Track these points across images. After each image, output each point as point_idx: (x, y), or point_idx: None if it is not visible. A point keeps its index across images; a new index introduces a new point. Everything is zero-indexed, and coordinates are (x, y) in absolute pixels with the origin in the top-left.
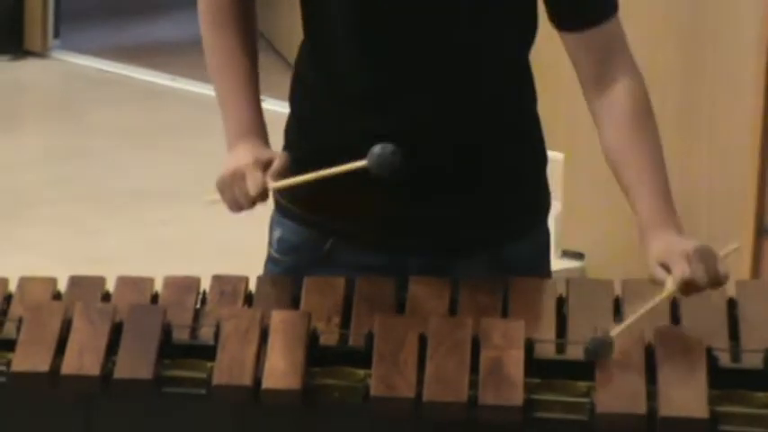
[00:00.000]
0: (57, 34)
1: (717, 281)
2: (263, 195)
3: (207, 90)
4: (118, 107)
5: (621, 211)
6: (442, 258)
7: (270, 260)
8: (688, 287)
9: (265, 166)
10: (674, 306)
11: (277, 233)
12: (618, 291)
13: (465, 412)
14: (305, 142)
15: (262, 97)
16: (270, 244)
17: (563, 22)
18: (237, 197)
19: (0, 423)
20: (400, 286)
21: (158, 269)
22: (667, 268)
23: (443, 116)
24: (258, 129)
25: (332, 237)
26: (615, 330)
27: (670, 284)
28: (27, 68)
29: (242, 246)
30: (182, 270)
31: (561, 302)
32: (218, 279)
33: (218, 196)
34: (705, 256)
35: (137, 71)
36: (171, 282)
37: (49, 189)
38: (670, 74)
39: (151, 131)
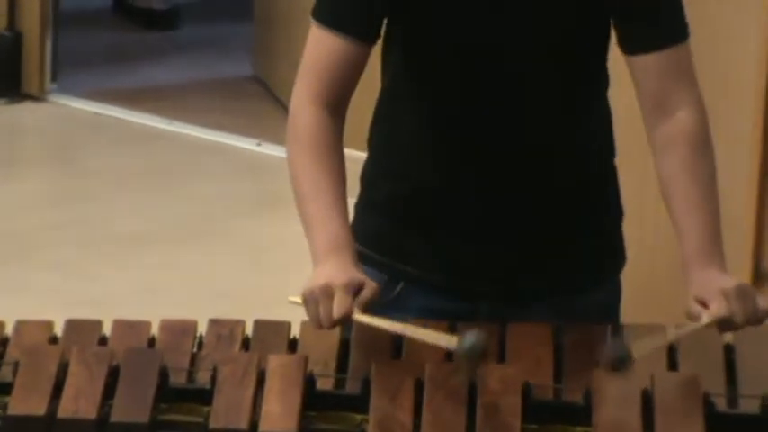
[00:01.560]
0: (54, 78)
1: (755, 319)
2: (345, 320)
3: (203, 134)
4: (115, 151)
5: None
6: (512, 304)
7: None
8: (724, 324)
9: (356, 290)
10: (671, 351)
11: None
12: None
13: None
14: (384, 187)
15: (258, 141)
16: None
17: (633, 44)
18: (321, 314)
19: None
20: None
21: (155, 313)
22: (704, 304)
23: (520, 168)
24: (349, 245)
25: (403, 280)
26: (637, 350)
27: (705, 319)
28: (24, 112)
29: (239, 290)
30: (178, 314)
31: (558, 347)
32: (214, 323)
33: (300, 300)
34: (743, 293)
35: (134, 115)
36: (167, 325)
37: (45, 233)
38: None
39: (148, 175)
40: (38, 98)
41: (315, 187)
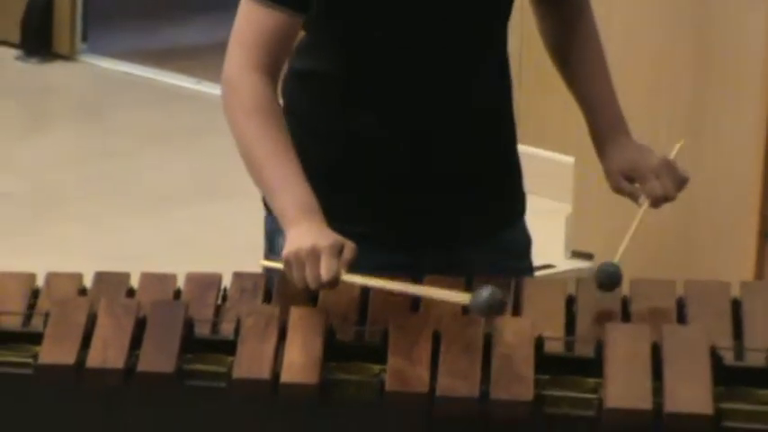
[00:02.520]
0: (84, 38)
1: (682, 187)
2: (333, 283)
3: None
4: (144, 109)
5: (630, 213)
6: (448, 250)
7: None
8: (659, 201)
9: (340, 252)
10: (680, 306)
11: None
12: (626, 291)
13: (477, 407)
14: (313, 147)
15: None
16: (273, 251)
17: None
18: (307, 277)
19: (27, 414)
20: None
21: (181, 266)
22: (632, 180)
23: (445, 130)
24: (318, 208)
25: (349, 240)
26: (617, 258)
27: (644, 201)
28: (55, 71)
29: (262, 244)
30: (204, 267)
31: (571, 301)
32: (238, 276)
33: (276, 265)
34: (669, 168)
35: (162, 74)
36: (193, 278)
37: (75, 188)
38: (678, 89)
39: (176, 133)
40: (68, 58)
41: (270, 152)
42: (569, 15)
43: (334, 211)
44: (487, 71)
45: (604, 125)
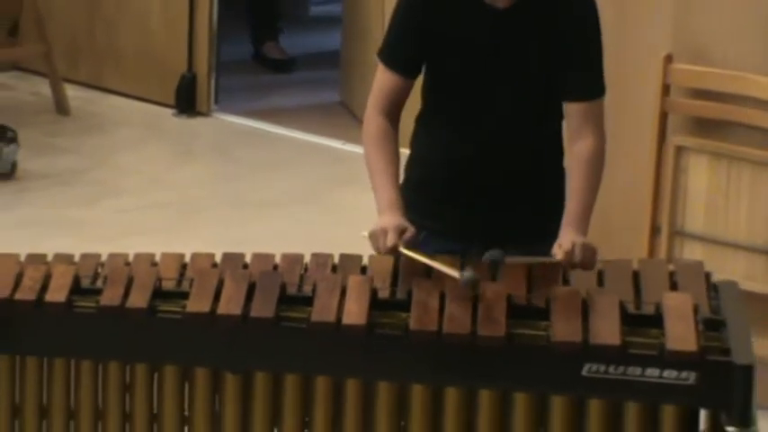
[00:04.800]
0: (216, 101)
1: (590, 261)
2: (392, 251)
3: (308, 137)
4: (255, 148)
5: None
6: (497, 247)
7: None
8: (569, 262)
9: (402, 232)
10: (600, 275)
11: None
12: None
13: (469, 339)
14: (413, 174)
15: (343, 142)
16: None
17: (568, 96)
18: (380, 246)
19: (177, 344)
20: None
21: (278, 249)
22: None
23: (502, 157)
24: (401, 203)
25: (424, 230)
26: (511, 259)
27: (559, 255)
28: (197, 123)
29: (332, 236)
30: (293, 249)
31: (531, 272)
32: (315, 255)
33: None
34: (584, 245)
35: (268, 126)
36: (286, 257)
37: (210, 199)
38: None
39: (275, 162)
40: (206, 114)
41: (378, 167)
42: (584, 145)
43: (418, 213)
44: (537, 135)
45: (568, 222)
